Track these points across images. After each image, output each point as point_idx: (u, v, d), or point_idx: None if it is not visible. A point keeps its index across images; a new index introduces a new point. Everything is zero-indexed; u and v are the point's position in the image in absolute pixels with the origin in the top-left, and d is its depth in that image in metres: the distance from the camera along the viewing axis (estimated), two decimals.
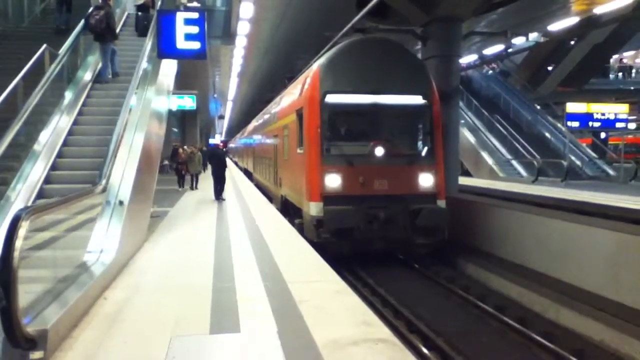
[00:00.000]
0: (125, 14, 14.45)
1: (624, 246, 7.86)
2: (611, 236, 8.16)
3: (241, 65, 30.12)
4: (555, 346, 7.02)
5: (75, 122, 9.51)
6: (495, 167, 24.15)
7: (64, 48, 9.82)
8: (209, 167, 25.78)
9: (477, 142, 25.95)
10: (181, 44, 9.48)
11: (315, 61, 13.83)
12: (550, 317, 8.32)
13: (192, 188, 18.66)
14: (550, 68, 33.70)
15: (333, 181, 10.89)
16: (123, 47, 12.27)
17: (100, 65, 11.00)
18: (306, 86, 11.79)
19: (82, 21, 10.92)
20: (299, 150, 11.99)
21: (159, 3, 13.25)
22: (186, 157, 19.01)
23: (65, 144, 8.94)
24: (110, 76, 11.05)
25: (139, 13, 13.20)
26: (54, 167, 8.33)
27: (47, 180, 8.02)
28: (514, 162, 24.42)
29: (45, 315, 4.02)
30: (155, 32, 9.92)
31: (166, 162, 24.09)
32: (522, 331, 7.68)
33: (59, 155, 8.64)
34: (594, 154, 25.87)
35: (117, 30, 11.87)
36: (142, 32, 12.46)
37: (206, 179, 21.67)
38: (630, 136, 30.17)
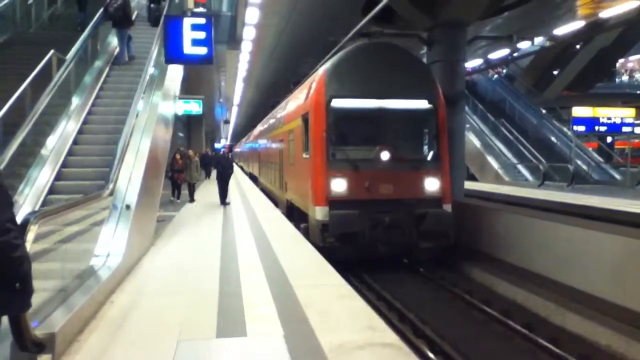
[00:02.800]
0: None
1: (630, 251, 7.82)
2: (617, 241, 8.12)
3: (247, 70, 30.22)
4: (561, 351, 6.99)
5: (84, 122, 9.96)
6: (500, 172, 24.11)
7: (71, 53, 9.93)
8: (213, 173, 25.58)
9: (482, 146, 25.93)
10: (188, 49, 9.54)
11: (320, 66, 13.86)
12: (556, 322, 8.28)
13: (187, 199, 16.13)
14: (555, 72, 33.64)
15: (339, 186, 10.90)
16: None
17: (117, 49, 12.43)
18: (312, 91, 11.81)
19: (102, 9, 12.25)
20: (304, 155, 12.01)
21: (166, 7, 13.40)
22: (183, 164, 16.37)
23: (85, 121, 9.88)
24: (127, 59, 12.37)
25: (152, 5, 14.38)
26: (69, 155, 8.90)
27: (65, 163, 8.62)
28: (520, 167, 24.38)
29: (52, 319, 4.05)
30: (163, 38, 10.02)
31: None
32: (528, 336, 7.65)
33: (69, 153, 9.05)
34: (600, 158, 25.80)
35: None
36: (154, 22, 13.70)
37: (208, 186, 21.70)
38: (636, 140, 30.05)
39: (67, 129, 9.15)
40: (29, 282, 3.05)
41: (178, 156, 16.43)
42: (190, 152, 17.65)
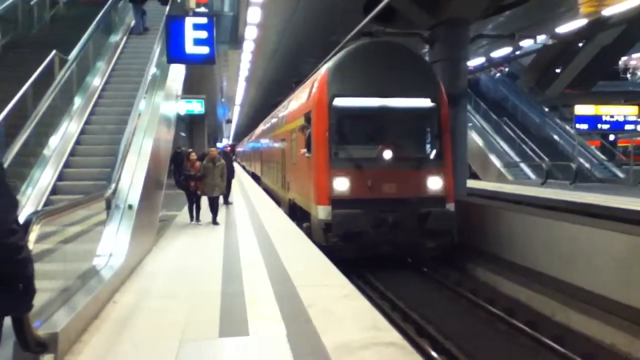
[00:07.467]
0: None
1: (634, 249, 7.79)
2: (622, 239, 8.09)
3: (248, 69, 30.19)
4: (565, 350, 6.96)
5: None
6: (503, 170, 24.07)
7: (74, 53, 9.96)
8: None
9: (485, 145, 25.89)
10: (190, 49, 9.51)
11: (322, 65, 13.84)
12: (560, 320, 8.25)
13: (213, 221, 11.32)
14: (558, 70, 33.48)
15: (341, 185, 10.87)
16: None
17: (134, 21, 14.84)
18: (314, 90, 11.79)
19: None
20: (307, 154, 11.97)
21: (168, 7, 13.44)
22: (201, 167, 11.36)
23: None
24: (141, 29, 14.60)
25: None
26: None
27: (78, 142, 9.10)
28: (523, 165, 24.34)
29: (55, 319, 4.05)
30: (164, 37, 10.01)
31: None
32: (531, 334, 7.62)
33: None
34: (603, 157, 25.74)
35: None
36: (163, 1, 15.30)
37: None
38: (639, 138, 29.94)
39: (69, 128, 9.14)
40: (32, 283, 3.04)
41: (194, 156, 11.89)
42: (213, 151, 11.79)
